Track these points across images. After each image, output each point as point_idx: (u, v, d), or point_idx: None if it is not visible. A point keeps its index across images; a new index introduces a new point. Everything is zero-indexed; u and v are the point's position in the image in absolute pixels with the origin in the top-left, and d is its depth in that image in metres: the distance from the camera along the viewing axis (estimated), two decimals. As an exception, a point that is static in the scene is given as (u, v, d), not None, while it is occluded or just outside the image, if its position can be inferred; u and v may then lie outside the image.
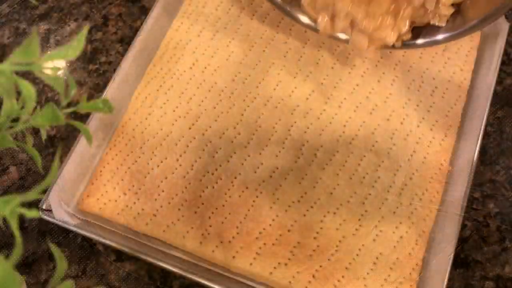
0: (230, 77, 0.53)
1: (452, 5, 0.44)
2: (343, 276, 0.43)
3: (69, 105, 0.27)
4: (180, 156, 0.49)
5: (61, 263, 0.22)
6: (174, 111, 0.52)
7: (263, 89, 0.51)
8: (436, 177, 0.46)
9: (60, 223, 0.46)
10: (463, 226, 0.46)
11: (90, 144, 0.28)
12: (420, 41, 0.46)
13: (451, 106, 0.49)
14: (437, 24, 0.44)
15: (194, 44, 0.55)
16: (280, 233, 0.45)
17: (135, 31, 0.58)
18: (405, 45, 0.47)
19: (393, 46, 0.47)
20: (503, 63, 0.51)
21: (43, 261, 0.49)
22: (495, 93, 0.48)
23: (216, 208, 0.47)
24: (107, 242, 0.46)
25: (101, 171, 0.50)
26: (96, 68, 0.59)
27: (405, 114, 0.49)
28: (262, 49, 0.54)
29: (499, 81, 0.52)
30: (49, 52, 0.31)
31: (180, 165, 0.49)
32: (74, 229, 0.46)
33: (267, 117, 0.50)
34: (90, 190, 0.49)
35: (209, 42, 0.55)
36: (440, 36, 0.45)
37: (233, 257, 0.45)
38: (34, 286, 0.48)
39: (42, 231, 0.51)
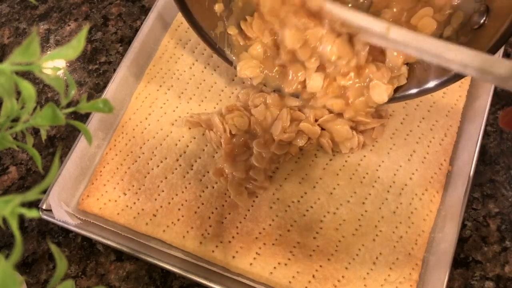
0: (230, 76, 0.53)
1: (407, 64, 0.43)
2: (343, 276, 0.43)
3: (69, 105, 0.27)
4: (180, 156, 0.49)
5: (61, 263, 0.22)
6: (174, 111, 0.52)
7: (263, 89, 0.52)
8: (436, 177, 0.46)
9: (60, 223, 0.46)
10: (463, 226, 0.46)
11: (90, 144, 0.28)
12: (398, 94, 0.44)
13: (451, 106, 0.49)
14: (397, 85, 0.43)
15: (194, 43, 0.55)
16: (280, 233, 0.45)
17: (135, 31, 0.58)
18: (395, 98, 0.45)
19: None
20: (503, 63, 0.51)
21: (43, 261, 0.49)
22: (495, 93, 0.48)
23: (216, 208, 0.47)
24: (107, 242, 0.46)
25: (101, 171, 0.50)
26: (96, 68, 0.59)
27: (405, 114, 0.49)
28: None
29: (499, 81, 0.52)
30: (49, 52, 0.31)
31: (180, 165, 0.49)
32: (74, 229, 0.46)
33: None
34: (90, 190, 0.49)
35: (209, 42, 0.55)
36: (414, 90, 0.43)
37: (233, 257, 0.45)
38: (34, 286, 0.48)
39: (42, 231, 0.51)
